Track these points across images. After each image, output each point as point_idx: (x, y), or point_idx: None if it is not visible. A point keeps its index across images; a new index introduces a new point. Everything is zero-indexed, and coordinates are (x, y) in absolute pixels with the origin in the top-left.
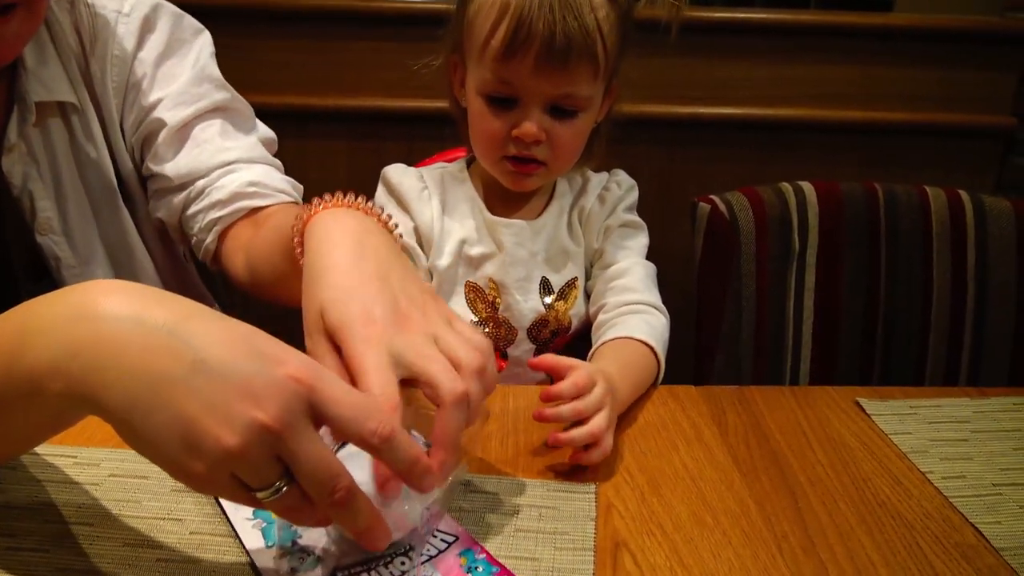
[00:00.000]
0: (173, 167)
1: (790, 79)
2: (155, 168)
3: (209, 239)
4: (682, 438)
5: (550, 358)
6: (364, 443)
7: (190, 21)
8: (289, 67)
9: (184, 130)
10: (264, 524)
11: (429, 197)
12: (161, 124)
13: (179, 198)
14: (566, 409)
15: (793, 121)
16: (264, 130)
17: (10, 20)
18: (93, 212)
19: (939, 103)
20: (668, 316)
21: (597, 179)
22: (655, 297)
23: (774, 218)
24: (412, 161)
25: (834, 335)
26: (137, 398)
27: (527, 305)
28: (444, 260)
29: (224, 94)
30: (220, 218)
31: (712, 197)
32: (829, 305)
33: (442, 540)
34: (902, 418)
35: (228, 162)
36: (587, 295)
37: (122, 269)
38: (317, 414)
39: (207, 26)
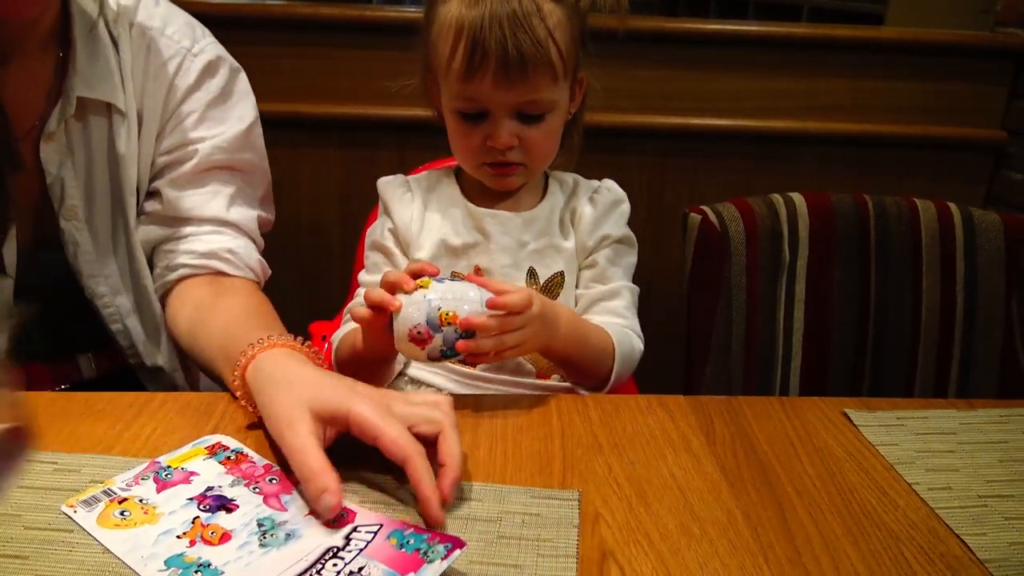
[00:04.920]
0: (177, 198)
1: (782, 91)
2: (165, 189)
3: (169, 277)
4: (670, 447)
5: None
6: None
7: (244, 79)
8: (282, 75)
9: (209, 172)
10: (180, 571)
11: (411, 199)
12: (194, 154)
13: (162, 230)
14: (493, 322)
15: (784, 133)
16: (269, 209)
17: None
18: (113, 209)
19: (930, 116)
20: (643, 344)
21: (587, 184)
22: (636, 324)
23: (764, 229)
24: (405, 169)
25: (824, 346)
26: None
27: None
28: (423, 252)
29: (256, 161)
30: (187, 265)
31: (703, 208)
32: (819, 316)
33: (367, 532)
34: (889, 429)
35: (222, 221)
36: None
37: (127, 268)
38: None
39: None
